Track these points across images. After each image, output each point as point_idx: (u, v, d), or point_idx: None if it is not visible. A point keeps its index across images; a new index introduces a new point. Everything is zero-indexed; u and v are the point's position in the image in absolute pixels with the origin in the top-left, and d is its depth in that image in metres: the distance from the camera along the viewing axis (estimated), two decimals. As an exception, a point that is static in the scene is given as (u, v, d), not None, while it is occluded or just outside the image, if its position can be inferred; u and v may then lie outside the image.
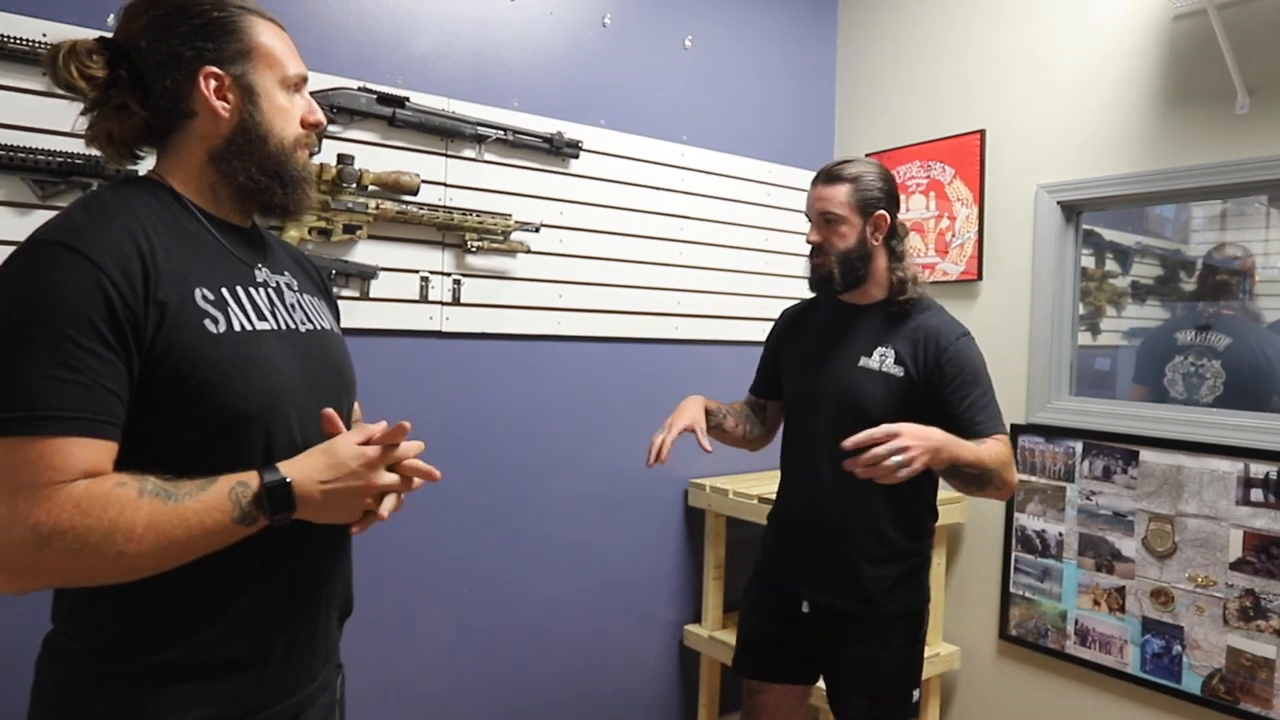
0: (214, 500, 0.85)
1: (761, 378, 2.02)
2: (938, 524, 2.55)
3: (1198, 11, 2.10)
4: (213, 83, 0.97)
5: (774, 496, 1.95)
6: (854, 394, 1.72)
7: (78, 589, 0.89)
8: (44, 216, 0.92)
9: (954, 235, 2.71)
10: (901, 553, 1.76)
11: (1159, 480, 2.20)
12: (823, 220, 1.74)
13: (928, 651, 2.55)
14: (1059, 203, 2.43)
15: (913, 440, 1.41)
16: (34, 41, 1.65)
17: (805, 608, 1.80)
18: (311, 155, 1.07)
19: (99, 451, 0.83)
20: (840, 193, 1.73)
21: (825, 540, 1.76)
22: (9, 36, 1.64)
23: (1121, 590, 2.28)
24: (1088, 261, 2.54)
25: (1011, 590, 2.54)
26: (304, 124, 1.04)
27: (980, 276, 2.62)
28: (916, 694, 1.80)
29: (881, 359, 1.72)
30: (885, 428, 1.41)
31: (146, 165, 1.05)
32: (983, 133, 2.62)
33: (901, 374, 1.70)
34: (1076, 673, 2.39)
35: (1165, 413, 2.24)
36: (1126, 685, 2.28)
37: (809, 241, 1.77)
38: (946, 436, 1.51)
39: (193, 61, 0.96)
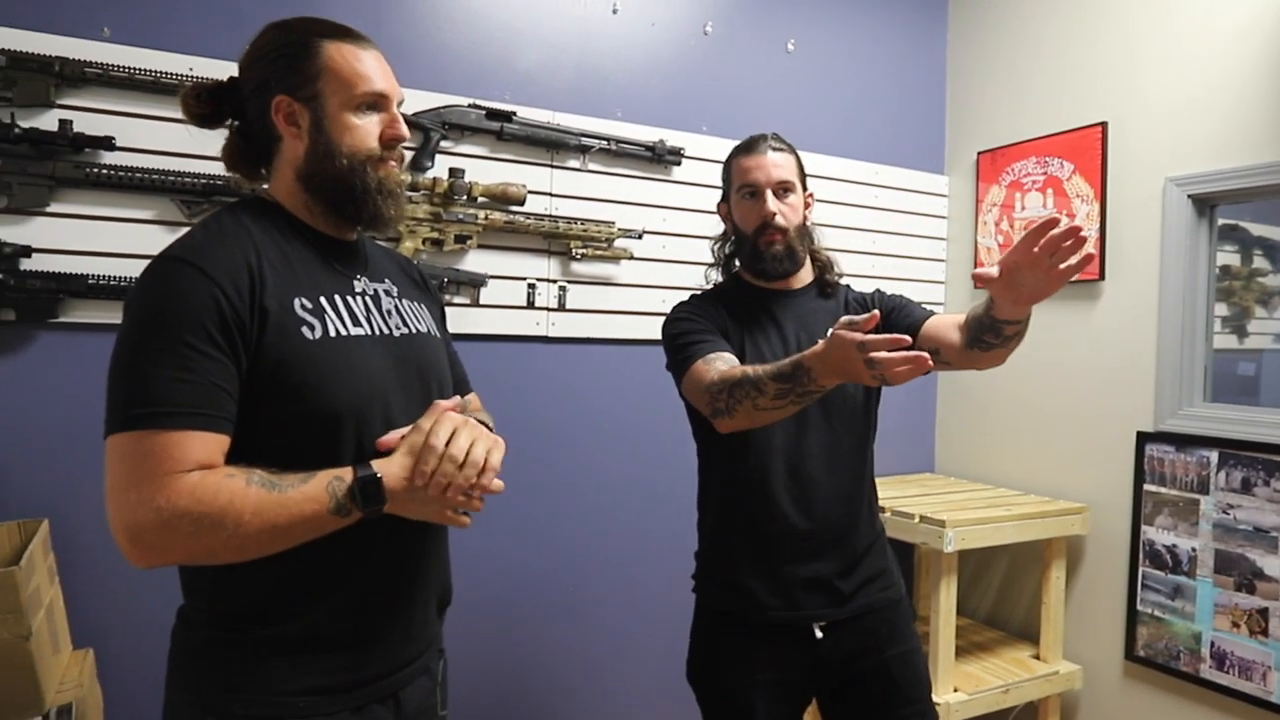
0: (313, 492, 0.93)
1: (718, 342, 1.55)
2: (1058, 536, 2.47)
3: (1348, -15, 1.94)
4: (282, 109, 1.05)
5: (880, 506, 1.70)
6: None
7: (201, 567, 1.00)
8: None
9: (1074, 233, 2.58)
10: (880, 532, 1.65)
11: (1306, 494, 2.03)
12: (780, 189, 1.57)
13: (1045, 669, 2.46)
14: (1189, 196, 2.28)
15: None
16: (182, 75, 1.82)
17: (819, 632, 1.55)
18: (401, 165, 1.13)
19: (213, 444, 0.92)
20: (793, 161, 1.60)
21: (830, 545, 1.56)
22: (161, 72, 1.81)
23: (1264, 612, 2.12)
24: (1232, 259, 2.36)
25: (1139, 608, 2.39)
26: (383, 139, 1.09)
27: (1103, 277, 2.49)
28: None
29: None
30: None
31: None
32: (1104, 125, 2.49)
33: None
34: (1212, 699, 2.23)
35: (1314, 421, 2.06)
36: (1270, 715, 2.11)
37: (767, 215, 1.55)
38: None
39: (272, 89, 1.05)
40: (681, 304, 1.65)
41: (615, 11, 2.40)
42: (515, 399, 2.27)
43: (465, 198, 2.14)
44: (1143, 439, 2.38)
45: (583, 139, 2.30)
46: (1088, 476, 2.55)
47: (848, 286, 1.70)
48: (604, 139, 2.34)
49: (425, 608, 1.13)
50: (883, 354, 1.12)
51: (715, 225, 2.53)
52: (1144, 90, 2.41)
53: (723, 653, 1.59)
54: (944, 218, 3.05)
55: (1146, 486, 2.37)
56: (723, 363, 1.45)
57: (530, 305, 2.28)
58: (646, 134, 2.42)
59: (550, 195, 2.30)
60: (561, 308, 2.32)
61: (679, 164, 2.47)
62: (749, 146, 1.61)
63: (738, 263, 1.70)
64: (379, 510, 0.96)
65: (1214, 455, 2.22)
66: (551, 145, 2.28)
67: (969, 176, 2.96)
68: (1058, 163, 2.63)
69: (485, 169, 2.20)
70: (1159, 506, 2.34)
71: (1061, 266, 1.17)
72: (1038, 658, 2.53)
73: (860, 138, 2.86)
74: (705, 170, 2.53)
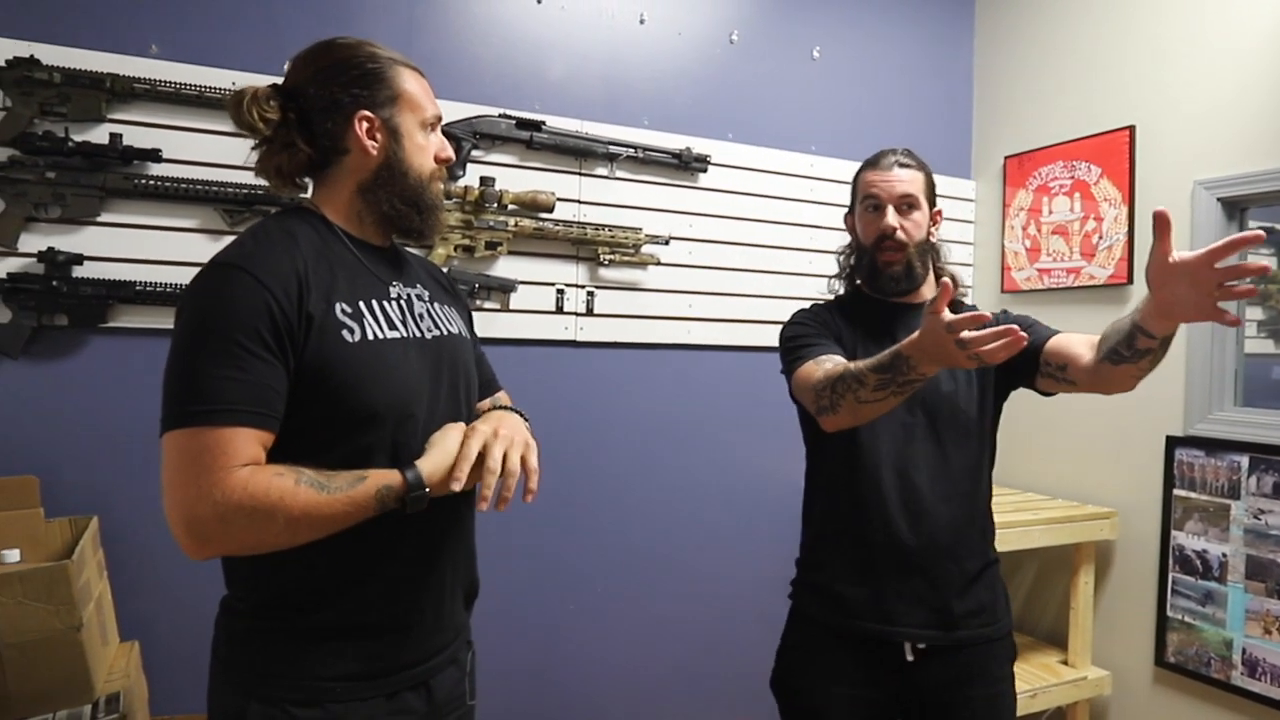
0: (361, 498, 0.99)
1: (830, 346, 1.58)
2: (1087, 541, 2.46)
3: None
4: (365, 124, 1.11)
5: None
6: (950, 398, 1.55)
7: (241, 559, 1.05)
8: (230, 240, 1.09)
9: (1101, 237, 2.57)
10: (992, 561, 1.61)
11: (1339, 499, 2.01)
12: (903, 204, 1.57)
13: (1073, 674, 2.45)
14: (1219, 199, 2.27)
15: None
16: (224, 90, 1.89)
17: (910, 654, 1.52)
18: (444, 183, 1.20)
19: (260, 441, 0.98)
20: (920, 178, 1.60)
21: (934, 563, 1.52)
22: (206, 87, 1.88)
23: (1297, 618, 2.10)
24: (1269, 263, 2.34)
25: (1169, 614, 2.37)
26: (437, 159, 1.19)
27: (1130, 280, 2.48)
28: None
29: None
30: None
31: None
32: (1132, 129, 2.48)
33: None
34: (1244, 706, 2.21)
35: (1347, 425, 2.04)
36: (1303, 722, 2.09)
37: (886, 229, 1.55)
38: None
39: (349, 106, 1.11)
40: (800, 311, 1.68)
41: (642, 21, 2.45)
42: (544, 402, 2.31)
43: (496, 205, 2.19)
44: (1172, 443, 2.37)
45: (610, 147, 2.35)
46: (1117, 481, 2.54)
47: (970, 305, 1.64)
48: (631, 147, 2.38)
49: (453, 599, 1.18)
50: (970, 333, 1.12)
51: (742, 231, 2.58)
52: (1172, 93, 2.41)
53: (811, 662, 1.59)
54: (971, 222, 3.05)
55: (1176, 491, 2.36)
56: (831, 364, 1.46)
57: (559, 310, 2.33)
58: (673, 142, 2.46)
59: (579, 202, 2.35)
60: (590, 312, 2.36)
61: (705, 171, 2.51)
62: (875, 161, 1.63)
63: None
64: (422, 508, 1.03)
65: (1245, 460, 2.20)
66: (580, 153, 2.32)
67: (996, 181, 2.96)
68: (1085, 166, 2.62)
69: (515, 177, 2.25)
70: (1189, 511, 2.33)
71: (1219, 304, 1.10)
72: (1066, 663, 2.52)
73: (887, 143, 2.83)
74: (731, 176, 2.56)
